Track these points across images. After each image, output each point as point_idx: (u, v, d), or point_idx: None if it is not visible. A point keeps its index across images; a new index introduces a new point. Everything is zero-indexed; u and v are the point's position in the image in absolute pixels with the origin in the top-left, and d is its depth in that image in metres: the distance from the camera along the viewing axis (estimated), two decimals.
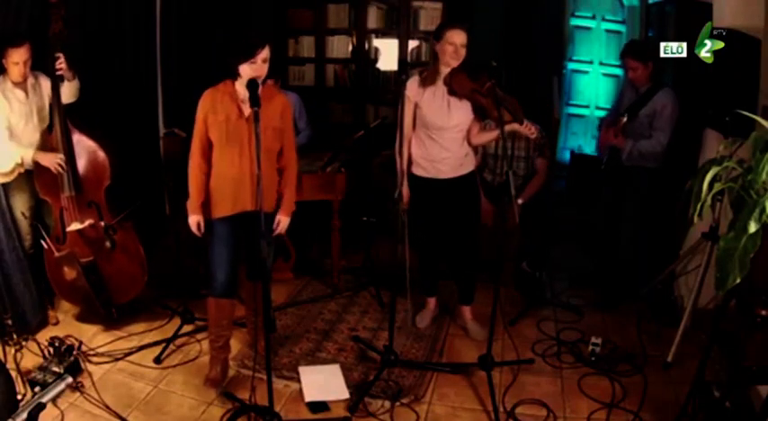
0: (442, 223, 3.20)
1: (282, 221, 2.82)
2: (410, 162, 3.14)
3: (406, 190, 3.14)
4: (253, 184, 2.62)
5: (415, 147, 3.11)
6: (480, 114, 3.03)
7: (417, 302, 3.49)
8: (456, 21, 3.07)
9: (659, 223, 3.72)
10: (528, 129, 2.93)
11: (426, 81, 3.01)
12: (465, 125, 3.04)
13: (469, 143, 3.11)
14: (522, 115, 2.88)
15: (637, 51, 3.38)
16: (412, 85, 3.03)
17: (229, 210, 2.71)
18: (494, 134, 3.11)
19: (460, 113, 3.00)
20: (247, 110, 2.59)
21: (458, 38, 2.88)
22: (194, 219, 2.74)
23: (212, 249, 2.78)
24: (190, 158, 2.72)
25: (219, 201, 2.72)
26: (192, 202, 2.74)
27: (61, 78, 3.06)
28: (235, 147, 2.63)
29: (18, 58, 2.96)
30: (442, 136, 3.03)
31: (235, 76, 2.59)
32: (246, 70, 2.52)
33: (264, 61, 2.54)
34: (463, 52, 2.90)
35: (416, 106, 3.04)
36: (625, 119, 3.37)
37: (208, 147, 2.69)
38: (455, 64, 2.92)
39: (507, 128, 2.87)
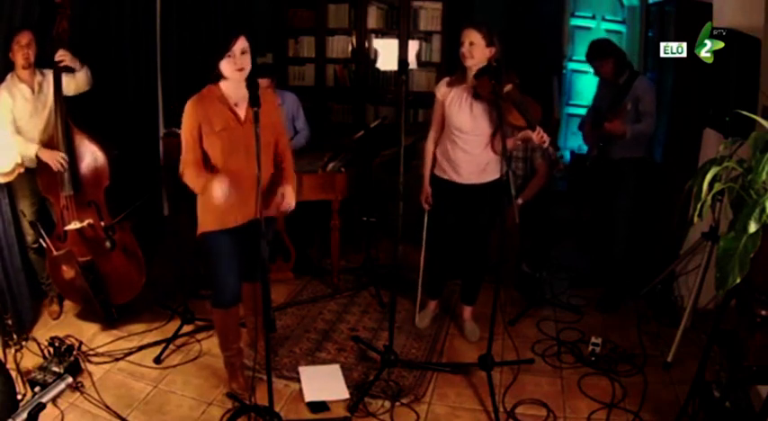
0: (458, 226, 3.17)
1: (288, 192, 2.62)
2: (435, 163, 3.15)
3: (427, 189, 3.16)
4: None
5: (440, 148, 3.12)
6: (498, 118, 2.88)
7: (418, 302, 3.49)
8: (471, 20, 3.04)
9: (656, 222, 3.72)
10: (540, 138, 2.80)
11: (454, 82, 3.01)
12: (488, 129, 2.97)
13: (493, 150, 3.03)
14: (535, 122, 2.80)
15: (596, 50, 3.63)
16: (441, 86, 3.05)
17: (234, 221, 2.59)
18: (511, 141, 2.94)
19: (484, 117, 2.94)
20: (242, 112, 2.51)
21: (466, 37, 2.86)
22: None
23: (219, 263, 2.65)
24: (185, 169, 2.51)
25: (225, 213, 2.55)
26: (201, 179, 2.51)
27: (68, 69, 3.08)
28: (240, 154, 2.51)
29: (22, 39, 2.99)
30: (464, 138, 2.99)
31: (219, 77, 2.47)
32: (227, 67, 2.41)
33: (244, 52, 2.41)
34: (476, 52, 2.85)
35: (443, 107, 3.03)
36: (630, 106, 3.43)
37: (203, 158, 2.52)
38: (468, 63, 2.89)
39: (520, 134, 2.88)
